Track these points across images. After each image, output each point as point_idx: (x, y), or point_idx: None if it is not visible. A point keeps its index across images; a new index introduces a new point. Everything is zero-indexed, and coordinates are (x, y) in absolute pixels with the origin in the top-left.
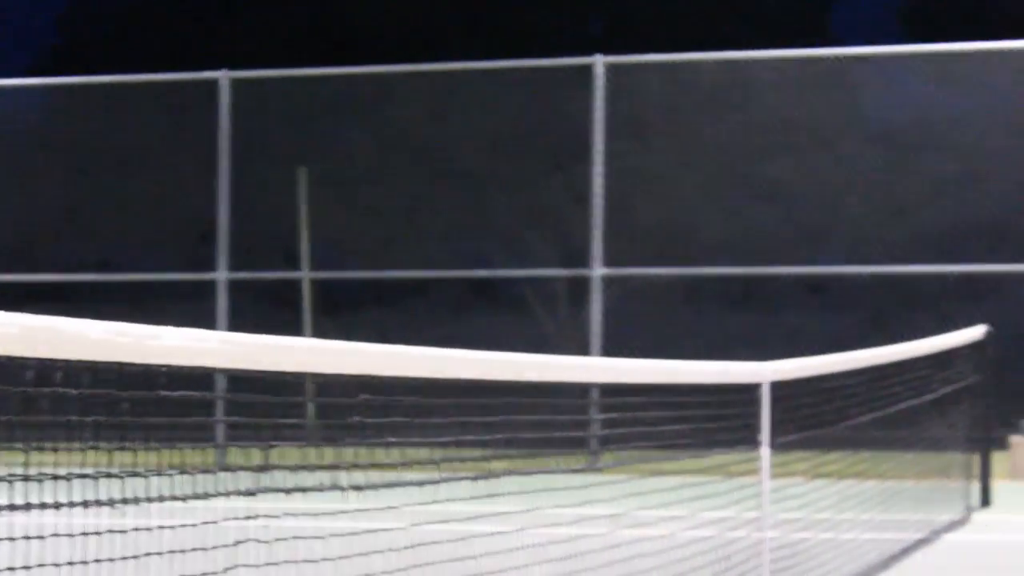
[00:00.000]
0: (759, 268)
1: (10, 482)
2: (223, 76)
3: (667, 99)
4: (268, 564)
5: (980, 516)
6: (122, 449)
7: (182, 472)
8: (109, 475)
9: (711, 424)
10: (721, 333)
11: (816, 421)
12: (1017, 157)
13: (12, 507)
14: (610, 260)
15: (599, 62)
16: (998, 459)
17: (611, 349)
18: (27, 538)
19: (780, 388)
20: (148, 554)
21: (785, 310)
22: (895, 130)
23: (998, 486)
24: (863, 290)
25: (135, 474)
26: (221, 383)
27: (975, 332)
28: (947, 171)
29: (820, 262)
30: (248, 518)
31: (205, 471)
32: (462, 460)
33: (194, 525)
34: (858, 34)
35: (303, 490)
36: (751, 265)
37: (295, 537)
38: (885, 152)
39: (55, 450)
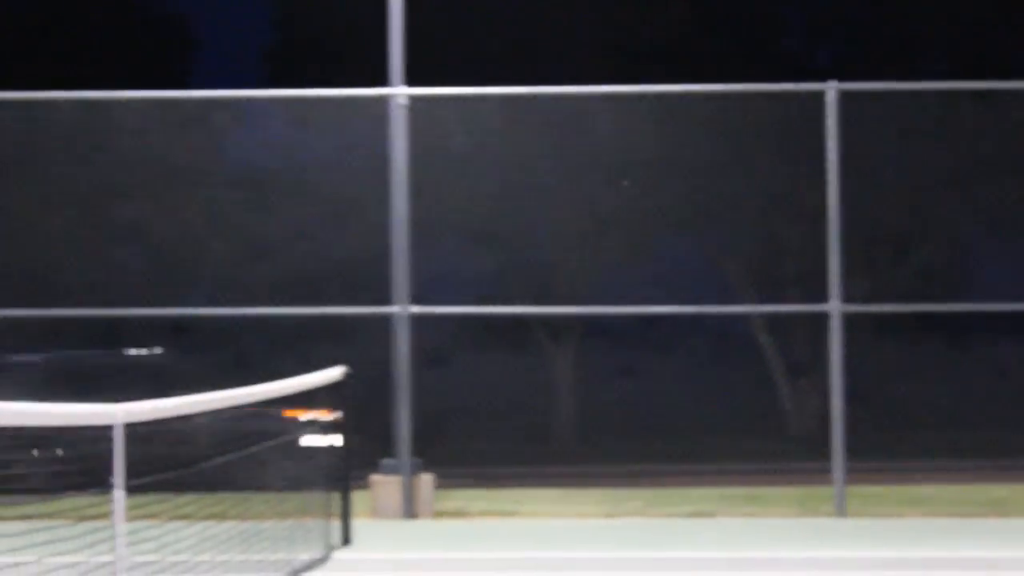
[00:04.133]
0: (121, 310)
1: None
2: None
3: (25, 137)
4: None
5: (341, 554)
6: None
7: None
8: None
9: (64, 467)
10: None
11: (174, 463)
12: (374, 201)
13: None
14: None
15: None
16: (360, 498)
17: None
18: None
19: (136, 429)
20: None
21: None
22: (257, 173)
23: (359, 524)
24: (226, 332)
25: None
26: None
27: (334, 373)
28: (308, 214)
29: (183, 303)
30: None
31: None
32: None
33: None
34: (221, 78)
35: None
36: (114, 307)
37: None
38: (247, 194)
39: None
